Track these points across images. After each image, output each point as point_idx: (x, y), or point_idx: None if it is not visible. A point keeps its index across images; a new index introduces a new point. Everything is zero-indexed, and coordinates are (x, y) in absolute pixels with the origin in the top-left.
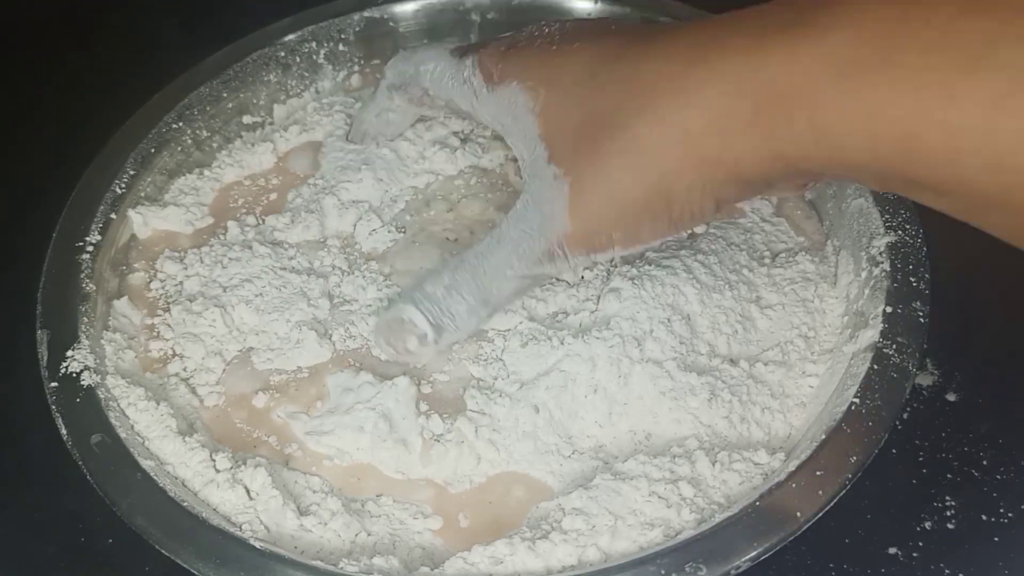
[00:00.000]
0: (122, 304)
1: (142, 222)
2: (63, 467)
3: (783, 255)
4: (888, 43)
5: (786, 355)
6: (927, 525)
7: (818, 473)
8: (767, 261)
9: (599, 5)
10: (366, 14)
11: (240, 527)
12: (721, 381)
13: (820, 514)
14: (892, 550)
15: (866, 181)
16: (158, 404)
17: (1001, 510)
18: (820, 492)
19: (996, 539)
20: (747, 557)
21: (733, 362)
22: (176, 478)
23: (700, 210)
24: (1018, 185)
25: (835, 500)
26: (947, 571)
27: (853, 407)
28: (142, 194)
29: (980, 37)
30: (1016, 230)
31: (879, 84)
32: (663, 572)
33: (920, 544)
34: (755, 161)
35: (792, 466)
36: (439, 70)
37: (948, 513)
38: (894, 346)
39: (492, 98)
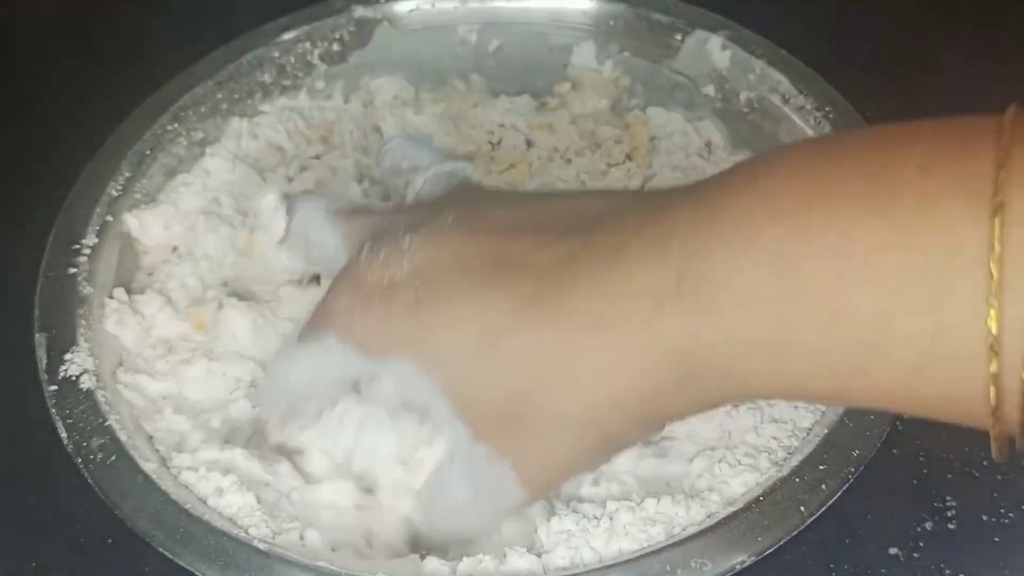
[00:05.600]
0: (120, 306)
1: (138, 224)
2: (63, 467)
3: None
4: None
5: None
6: (927, 525)
7: (821, 467)
8: None
9: (595, 3)
10: (359, 14)
11: (246, 530)
12: None
13: (823, 508)
14: (892, 550)
15: None
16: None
17: (1002, 510)
18: (823, 486)
19: (997, 539)
20: (752, 552)
21: None
22: (177, 480)
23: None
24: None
25: (838, 494)
26: (947, 571)
27: None
28: (138, 196)
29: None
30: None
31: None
32: (668, 568)
33: (920, 544)
34: (691, 409)
35: (795, 460)
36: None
37: (949, 513)
38: None
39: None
